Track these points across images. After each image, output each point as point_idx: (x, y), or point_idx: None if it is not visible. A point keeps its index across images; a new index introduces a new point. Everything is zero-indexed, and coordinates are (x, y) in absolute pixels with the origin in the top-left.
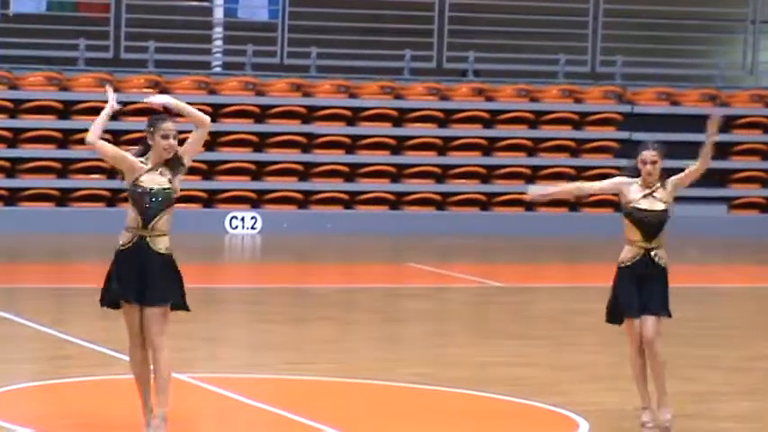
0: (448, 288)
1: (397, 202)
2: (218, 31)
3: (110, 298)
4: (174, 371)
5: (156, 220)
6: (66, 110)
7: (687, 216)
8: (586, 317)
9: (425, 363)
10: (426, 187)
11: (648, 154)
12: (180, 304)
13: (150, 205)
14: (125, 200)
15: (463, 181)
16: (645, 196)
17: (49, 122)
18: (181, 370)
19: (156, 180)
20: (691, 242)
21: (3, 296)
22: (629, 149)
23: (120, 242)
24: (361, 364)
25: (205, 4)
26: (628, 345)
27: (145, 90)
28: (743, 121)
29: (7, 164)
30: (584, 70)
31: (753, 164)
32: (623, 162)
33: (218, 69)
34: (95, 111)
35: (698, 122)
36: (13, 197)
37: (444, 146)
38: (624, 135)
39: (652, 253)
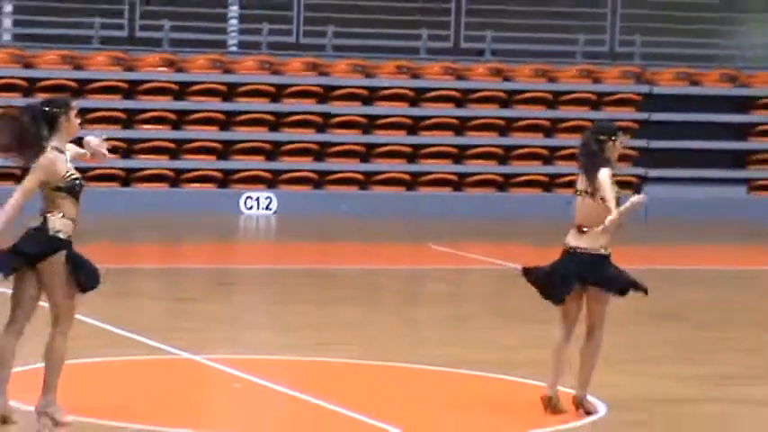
0: (467, 270)
1: (414, 182)
2: (233, 10)
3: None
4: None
5: None
6: (81, 88)
7: (707, 198)
8: None
9: (448, 344)
10: (443, 167)
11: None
12: None
13: (80, 193)
14: (141, 180)
15: (480, 161)
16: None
17: None
18: (198, 352)
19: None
20: (709, 224)
21: None
22: (648, 130)
23: (67, 231)
24: (383, 345)
25: None
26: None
27: (159, 69)
28: (764, 101)
29: None
30: (603, 50)
31: None
32: (641, 143)
33: (233, 48)
34: (109, 90)
35: (717, 103)
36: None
37: (461, 126)
38: (643, 116)
39: None
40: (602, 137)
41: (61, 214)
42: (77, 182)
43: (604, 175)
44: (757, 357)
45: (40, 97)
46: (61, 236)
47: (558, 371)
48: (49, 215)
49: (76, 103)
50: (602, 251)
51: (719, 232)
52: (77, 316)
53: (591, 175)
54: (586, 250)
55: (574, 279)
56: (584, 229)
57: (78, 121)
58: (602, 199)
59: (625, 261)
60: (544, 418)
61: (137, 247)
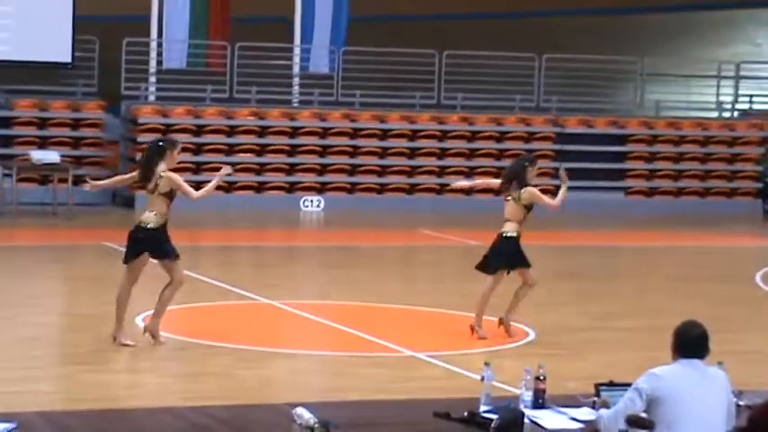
0: (445, 246)
1: (412, 190)
2: (296, 80)
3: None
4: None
5: None
6: (199, 131)
7: (598, 200)
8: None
9: (429, 293)
10: (430, 180)
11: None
12: None
13: (173, 198)
14: (237, 188)
15: (454, 176)
16: None
17: (187, 138)
18: (273, 298)
19: None
20: (599, 217)
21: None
22: (561, 156)
23: (160, 222)
24: (388, 294)
25: (287, 62)
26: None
27: (249, 117)
28: (634, 138)
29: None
30: (532, 105)
31: (641, 165)
32: (557, 164)
33: (296, 104)
34: (216, 131)
35: (605, 138)
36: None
37: (442, 154)
38: (557, 147)
39: None
40: (526, 163)
41: (155, 212)
42: (173, 191)
43: (531, 189)
44: (630, 302)
45: (172, 136)
46: (151, 226)
47: (482, 308)
48: (148, 213)
49: (180, 143)
50: (514, 234)
51: (606, 222)
52: (196, 276)
53: (515, 187)
54: (507, 233)
55: (501, 258)
56: (508, 221)
57: (180, 156)
58: (526, 206)
59: (545, 239)
60: (498, 339)
61: (234, 232)
